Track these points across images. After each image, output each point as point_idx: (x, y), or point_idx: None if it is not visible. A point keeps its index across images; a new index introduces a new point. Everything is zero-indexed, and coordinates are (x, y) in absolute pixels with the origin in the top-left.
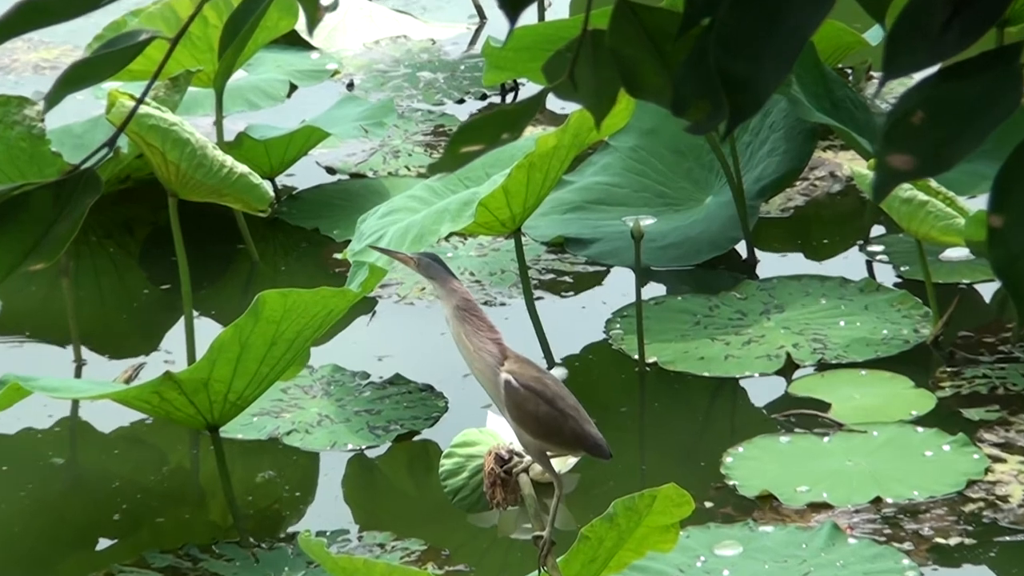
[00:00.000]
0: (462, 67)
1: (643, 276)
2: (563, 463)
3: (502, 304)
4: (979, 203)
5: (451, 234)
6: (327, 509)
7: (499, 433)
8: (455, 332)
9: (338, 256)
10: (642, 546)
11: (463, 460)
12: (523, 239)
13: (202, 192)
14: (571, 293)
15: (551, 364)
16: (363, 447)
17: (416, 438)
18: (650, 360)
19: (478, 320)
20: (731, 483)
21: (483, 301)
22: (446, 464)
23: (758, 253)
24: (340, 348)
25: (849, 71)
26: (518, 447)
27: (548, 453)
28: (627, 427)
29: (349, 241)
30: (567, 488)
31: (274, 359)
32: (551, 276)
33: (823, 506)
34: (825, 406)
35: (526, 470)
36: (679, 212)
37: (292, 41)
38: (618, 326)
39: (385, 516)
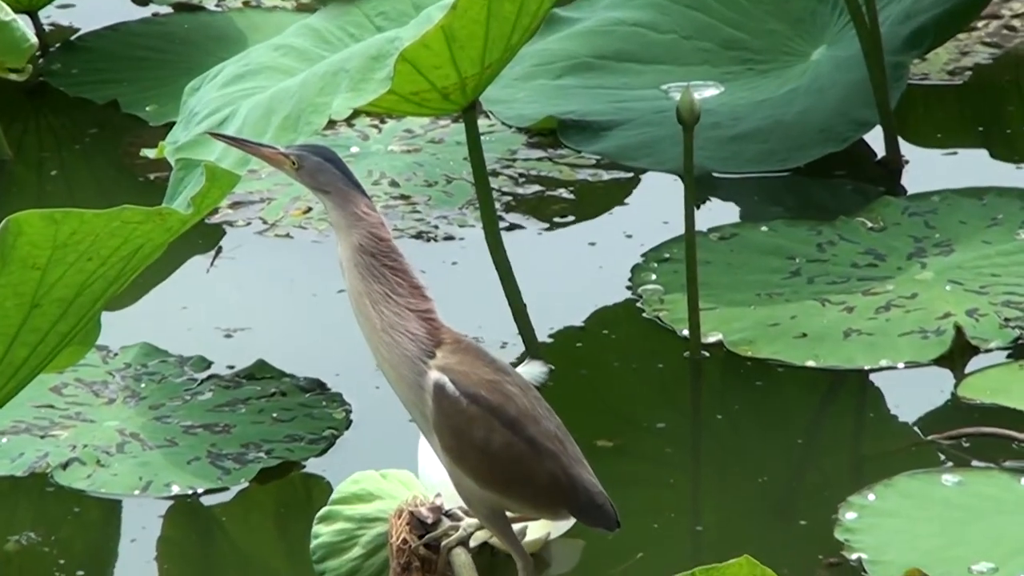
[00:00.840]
0: None
1: (700, 189)
2: (548, 524)
3: (447, 239)
4: None
5: (354, 114)
6: None
7: (432, 475)
8: (353, 292)
9: (151, 153)
10: None
11: (353, 527)
12: (484, 123)
13: None
14: (568, 219)
15: (529, 350)
16: (199, 490)
17: (293, 474)
18: (710, 339)
19: (394, 274)
20: (854, 556)
21: (414, 233)
22: (323, 534)
23: (906, 149)
24: (158, 316)
25: None
26: (454, 500)
27: (508, 514)
28: (669, 458)
29: (171, 125)
30: (559, 567)
31: (37, 334)
32: (533, 190)
33: None
34: None
35: (464, 542)
36: (765, 76)
37: None
38: (654, 279)
39: None
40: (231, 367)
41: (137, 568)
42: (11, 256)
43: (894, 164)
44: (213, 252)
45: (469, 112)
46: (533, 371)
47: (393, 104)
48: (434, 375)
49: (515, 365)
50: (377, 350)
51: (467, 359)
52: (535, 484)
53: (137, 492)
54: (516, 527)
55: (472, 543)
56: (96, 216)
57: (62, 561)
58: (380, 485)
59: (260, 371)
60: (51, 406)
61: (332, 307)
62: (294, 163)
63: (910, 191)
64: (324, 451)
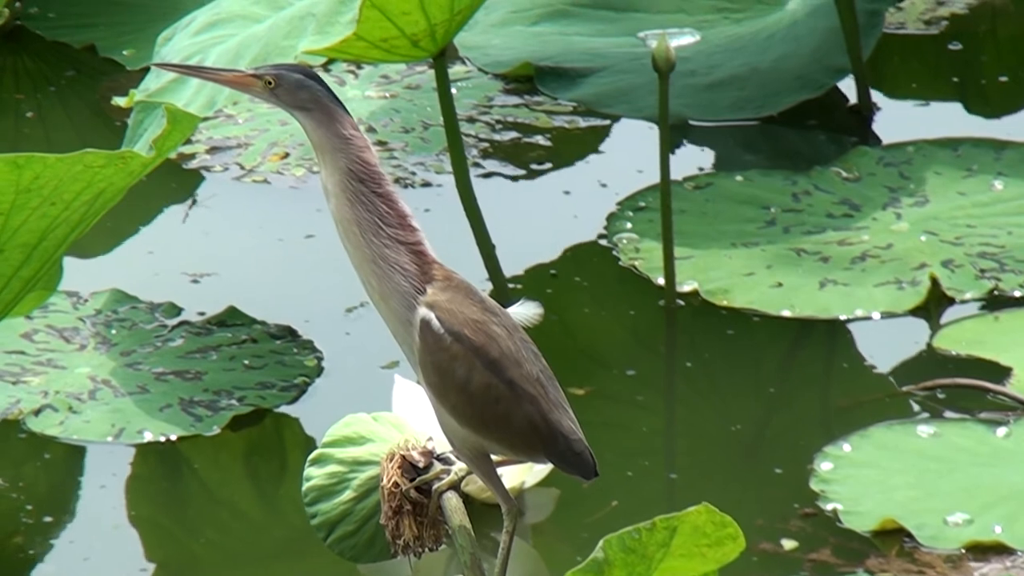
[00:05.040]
0: None
1: (675, 136)
2: (525, 471)
3: (424, 185)
4: None
5: (327, 60)
6: (105, 543)
7: (410, 419)
8: (343, 221)
9: (122, 101)
10: None
11: (345, 470)
12: (456, 69)
13: None
14: (545, 167)
15: (505, 298)
16: (171, 437)
17: (265, 421)
18: (685, 287)
19: (383, 201)
20: (829, 507)
21: (391, 180)
22: (315, 476)
23: (879, 98)
24: (128, 262)
25: None
26: (446, 445)
27: (493, 457)
28: (642, 406)
29: (147, 70)
30: (534, 515)
31: (1, 280)
32: (510, 136)
33: (993, 549)
34: (1000, 372)
35: (455, 486)
36: (740, 24)
37: None
38: (629, 227)
39: (208, 557)
40: (201, 313)
41: (104, 512)
42: None
43: (866, 112)
44: (188, 202)
45: (439, 59)
46: (526, 312)
47: (362, 51)
48: (422, 311)
49: (506, 306)
50: (368, 281)
51: (457, 297)
52: (513, 426)
53: (110, 439)
54: (506, 470)
55: (463, 487)
56: (59, 160)
57: (29, 507)
58: (372, 428)
59: (231, 318)
60: (22, 352)
61: (302, 253)
62: (270, 82)
63: (884, 140)
64: (296, 398)
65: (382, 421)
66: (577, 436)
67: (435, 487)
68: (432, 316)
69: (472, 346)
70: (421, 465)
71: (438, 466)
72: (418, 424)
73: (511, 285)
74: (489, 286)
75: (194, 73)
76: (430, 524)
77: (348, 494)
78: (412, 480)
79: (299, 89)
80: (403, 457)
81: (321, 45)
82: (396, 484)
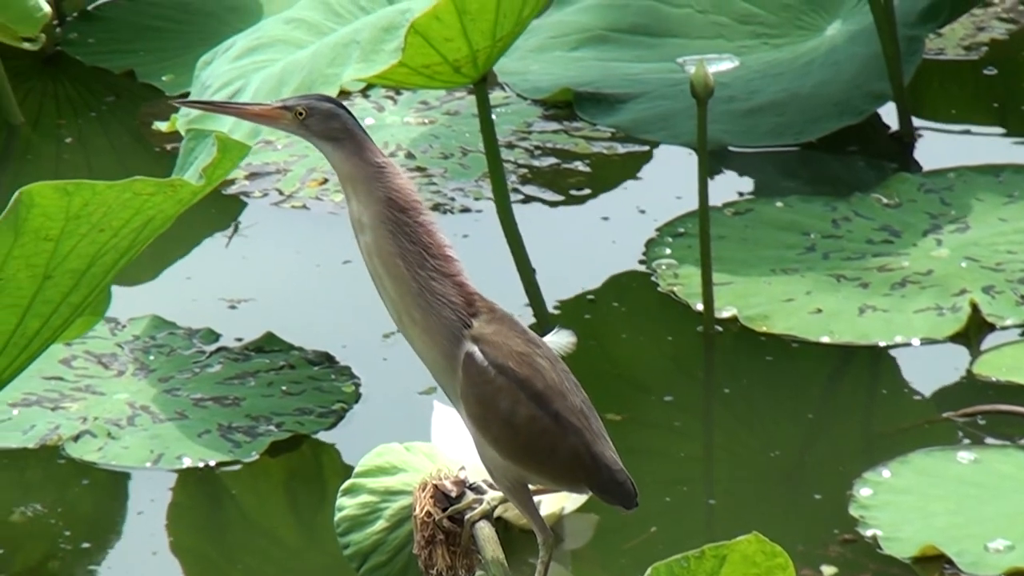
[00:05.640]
0: None
1: (714, 162)
2: (564, 497)
3: (463, 211)
4: None
5: (368, 85)
6: (143, 569)
7: (449, 447)
8: (380, 253)
9: (163, 126)
10: None
11: (377, 499)
12: (495, 95)
13: None
14: (584, 193)
15: (544, 323)
16: (210, 462)
17: (303, 447)
18: (724, 313)
19: (426, 235)
20: (869, 533)
21: (430, 206)
22: (347, 507)
23: (919, 123)
24: (166, 288)
25: None
26: (478, 474)
27: (531, 487)
28: (680, 431)
29: (187, 95)
30: (573, 541)
31: (49, 305)
32: (549, 162)
33: None
34: None
35: (488, 515)
36: (779, 50)
37: None
38: (668, 253)
39: None
40: (239, 340)
41: (142, 538)
42: (24, 227)
43: (907, 139)
44: (232, 228)
45: (480, 85)
46: (560, 340)
47: (404, 77)
48: (468, 345)
49: (543, 335)
50: (408, 314)
51: (502, 329)
52: (557, 458)
53: (149, 465)
54: (544, 499)
55: (496, 516)
56: (108, 187)
57: (67, 532)
58: (404, 457)
59: (268, 344)
60: (61, 378)
61: (339, 279)
62: (301, 113)
63: (924, 167)
64: (334, 424)
65: (414, 451)
66: (619, 466)
67: (468, 516)
68: (475, 349)
69: (517, 379)
70: (454, 494)
71: (471, 495)
72: (457, 451)
73: (551, 311)
74: (529, 312)
75: (219, 110)
76: (463, 554)
77: (380, 524)
78: (445, 509)
79: (330, 119)
80: (435, 486)
81: (367, 73)
82: (429, 513)
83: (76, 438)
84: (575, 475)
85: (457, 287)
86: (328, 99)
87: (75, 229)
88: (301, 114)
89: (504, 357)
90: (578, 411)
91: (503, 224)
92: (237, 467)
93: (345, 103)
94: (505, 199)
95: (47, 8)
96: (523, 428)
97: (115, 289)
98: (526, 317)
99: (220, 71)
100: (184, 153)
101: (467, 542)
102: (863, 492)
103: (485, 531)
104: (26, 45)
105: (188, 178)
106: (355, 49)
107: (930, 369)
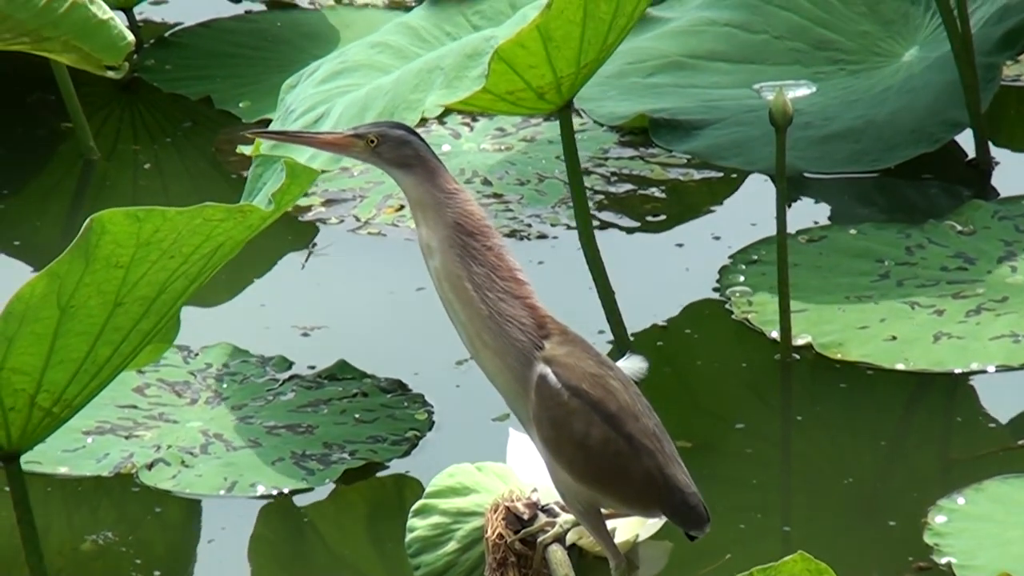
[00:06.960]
0: None
1: (789, 189)
2: (639, 524)
3: (540, 237)
4: None
5: (445, 112)
6: None
7: (524, 472)
8: (451, 277)
9: (247, 150)
10: None
11: (448, 521)
12: (575, 122)
13: (7, 34)
14: (659, 219)
15: (620, 348)
16: (284, 490)
17: (379, 474)
18: (799, 341)
19: (496, 258)
20: (943, 560)
21: (507, 232)
22: (418, 527)
23: (997, 151)
24: (239, 315)
25: None
26: (550, 496)
27: (603, 510)
28: (753, 459)
29: (268, 122)
30: (648, 569)
31: (120, 332)
32: (625, 188)
33: None
34: None
35: (561, 538)
36: (856, 76)
37: None
38: (742, 280)
39: None
40: (312, 367)
41: (215, 566)
42: (95, 255)
43: (984, 166)
44: (307, 251)
45: (564, 111)
46: (633, 366)
47: (488, 103)
48: (540, 367)
49: (617, 361)
50: (479, 337)
51: (575, 351)
52: (630, 481)
53: (222, 492)
54: (616, 523)
55: (569, 540)
56: (178, 214)
57: (138, 560)
58: (476, 478)
59: (341, 371)
60: (134, 406)
61: (412, 306)
62: (372, 141)
63: (1001, 194)
64: (407, 452)
65: (486, 471)
66: (692, 490)
67: (540, 539)
68: (548, 371)
69: (590, 400)
70: (526, 517)
71: (543, 518)
72: (531, 477)
73: (630, 337)
74: (608, 338)
75: (290, 139)
76: None
77: (452, 545)
78: (517, 532)
79: (402, 146)
80: (507, 508)
81: (450, 99)
82: (501, 536)
83: (150, 466)
84: (648, 497)
85: (528, 309)
86: (400, 126)
87: (145, 256)
88: (373, 142)
89: (577, 379)
90: (651, 433)
91: (585, 250)
92: (310, 495)
93: (421, 131)
94: (588, 225)
95: (131, 37)
96: (596, 450)
97: (189, 315)
98: (600, 344)
99: (305, 95)
100: (252, 179)
101: (539, 565)
102: (938, 519)
103: (558, 554)
104: (110, 74)
105: (257, 203)
106: (439, 75)
107: (1006, 396)
